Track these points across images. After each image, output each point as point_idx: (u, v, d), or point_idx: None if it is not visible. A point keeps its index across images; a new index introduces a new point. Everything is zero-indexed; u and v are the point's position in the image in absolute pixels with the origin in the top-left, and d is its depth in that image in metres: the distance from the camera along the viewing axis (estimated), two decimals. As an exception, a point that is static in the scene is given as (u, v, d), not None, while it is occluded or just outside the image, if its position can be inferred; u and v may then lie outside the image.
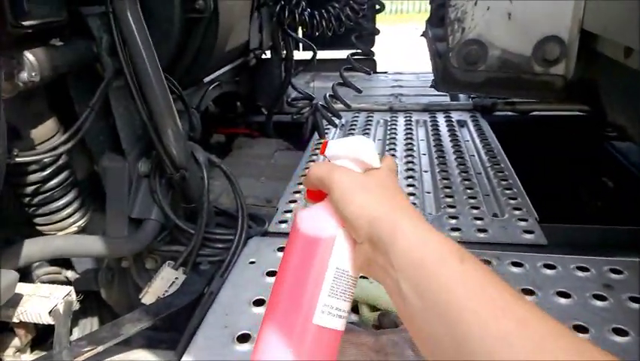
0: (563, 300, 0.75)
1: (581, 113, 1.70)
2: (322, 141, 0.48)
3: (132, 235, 0.99)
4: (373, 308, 0.71)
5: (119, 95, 0.96)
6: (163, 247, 1.03)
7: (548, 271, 0.82)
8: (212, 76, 1.37)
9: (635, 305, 0.73)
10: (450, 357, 0.33)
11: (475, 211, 1.06)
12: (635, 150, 1.45)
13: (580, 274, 0.81)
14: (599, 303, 0.74)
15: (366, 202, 0.42)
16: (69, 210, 0.96)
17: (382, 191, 0.43)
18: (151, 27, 0.90)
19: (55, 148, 0.87)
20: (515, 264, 0.84)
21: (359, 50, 1.53)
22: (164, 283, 0.94)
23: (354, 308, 0.74)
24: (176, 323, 0.86)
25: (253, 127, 1.84)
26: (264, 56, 1.76)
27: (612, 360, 0.29)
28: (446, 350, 0.34)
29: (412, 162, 1.35)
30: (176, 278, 0.95)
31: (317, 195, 0.48)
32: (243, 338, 0.70)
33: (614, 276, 0.80)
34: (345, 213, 0.42)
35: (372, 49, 1.96)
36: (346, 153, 0.46)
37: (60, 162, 0.92)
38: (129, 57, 0.88)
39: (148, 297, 0.94)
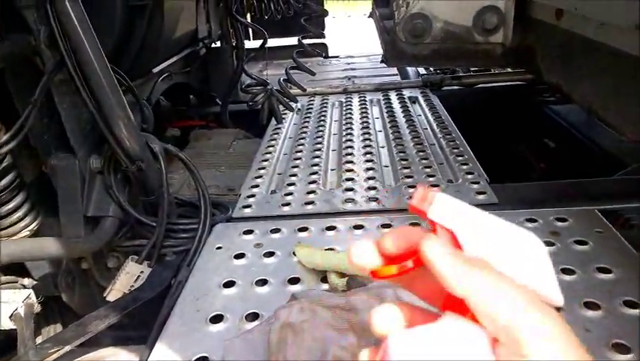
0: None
1: (522, 83, 1.79)
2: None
3: (89, 234, 0.96)
4: (341, 275, 0.73)
5: (63, 90, 0.92)
6: (125, 242, 1.00)
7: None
8: (161, 66, 1.34)
9: (580, 247, 0.79)
10: None
11: (431, 179, 1.10)
12: (572, 112, 1.54)
13: (529, 225, 0.86)
14: (547, 248, 0.78)
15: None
16: (19, 213, 0.92)
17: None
18: (92, 16, 0.87)
19: (-3, 149, 0.83)
20: (472, 223, 0.88)
21: (310, 33, 1.54)
22: (129, 278, 0.92)
23: (324, 278, 0.76)
24: (144, 320, 0.84)
25: (209, 118, 1.82)
26: (214, 45, 1.73)
27: None
28: None
29: (369, 140, 1.38)
30: (142, 272, 0.93)
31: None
32: (217, 319, 0.70)
33: (559, 224, 0.86)
34: None
35: (322, 31, 1.97)
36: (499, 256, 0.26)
37: (4, 163, 0.88)
38: (70, 48, 0.85)
39: (113, 294, 0.92)
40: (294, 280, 0.77)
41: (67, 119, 0.94)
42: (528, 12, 1.06)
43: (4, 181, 0.88)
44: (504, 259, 0.24)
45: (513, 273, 0.25)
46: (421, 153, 1.25)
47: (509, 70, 1.84)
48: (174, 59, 1.43)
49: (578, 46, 0.85)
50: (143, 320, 0.83)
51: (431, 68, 2.00)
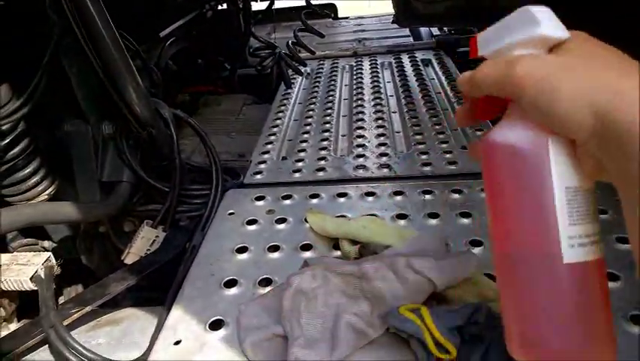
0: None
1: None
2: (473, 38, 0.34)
3: (105, 199, 0.98)
4: (353, 243, 0.74)
5: (72, 55, 0.91)
6: (139, 207, 1.02)
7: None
8: (168, 30, 1.32)
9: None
10: None
11: (444, 145, 1.09)
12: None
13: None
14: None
15: (580, 85, 0.28)
16: (36, 178, 0.94)
17: (596, 63, 0.29)
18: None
19: (10, 114, 0.83)
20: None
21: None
22: (144, 242, 0.94)
23: (336, 245, 0.77)
24: (162, 282, 0.87)
25: (218, 83, 1.80)
26: (220, 7, 1.69)
27: None
28: None
29: (381, 104, 1.36)
30: (157, 236, 0.95)
31: (490, 108, 0.36)
32: (230, 283, 0.72)
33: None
34: (553, 111, 0.29)
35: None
36: (513, 38, 0.33)
37: (19, 129, 0.88)
38: (76, 12, 0.83)
39: (130, 257, 0.94)
40: (306, 247, 0.78)
41: (78, 84, 0.94)
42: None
43: (20, 147, 0.90)
44: (517, 35, 0.33)
45: (525, 38, 0.33)
46: (434, 119, 1.23)
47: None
48: (181, 21, 1.40)
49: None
50: (159, 283, 0.86)
51: (445, 29, 1.94)
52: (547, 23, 0.32)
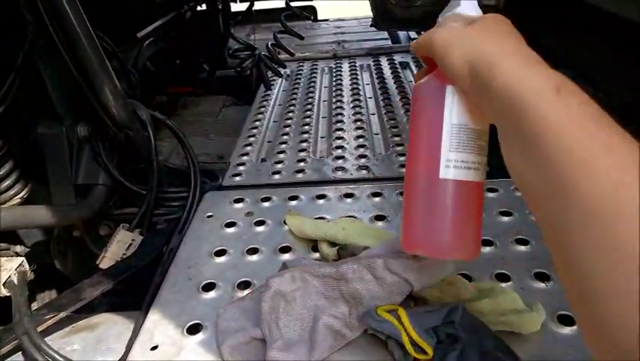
0: (505, 218, 0.81)
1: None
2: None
3: (81, 202, 0.96)
4: (332, 244, 0.74)
5: (47, 55, 0.89)
6: (116, 210, 1.01)
7: (490, 194, 0.88)
8: (145, 31, 1.30)
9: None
10: (538, 185, 0.33)
11: (421, 147, 1.11)
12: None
13: (518, 194, 0.88)
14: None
15: (466, 48, 0.40)
16: (8, 182, 0.91)
17: (484, 34, 0.41)
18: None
19: (-19, 117, 0.81)
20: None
21: (298, -5, 1.49)
22: (120, 246, 0.93)
23: (315, 247, 0.77)
24: (138, 287, 0.86)
25: (197, 84, 1.78)
26: (199, 8, 1.68)
27: None
28: (535, 179, 0.33)
29: (360, 106, 1.37)
30: (133, 240, 0.94)
31: (433, 64, 0.48)
32: (209, 287, 0.72)
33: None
34: (445, 65, 0.42)
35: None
36: (445, 15, 0.47)
37: (-10, 131, 0.86)
38: (52, 12, 0.82)
39: (105, 262, 0.92)
40: (284, 249, 0.78)
41: (52, 85, 0.92)
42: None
43: (-9, 150, 0.87)
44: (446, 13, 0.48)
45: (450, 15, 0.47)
46: (411, 121, 1.25)
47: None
48: (159, 22, 1.39)
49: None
50: (135, 287, 0.85)
51: (423, 32, 1.96)
52: (466, 6, 0.45)
